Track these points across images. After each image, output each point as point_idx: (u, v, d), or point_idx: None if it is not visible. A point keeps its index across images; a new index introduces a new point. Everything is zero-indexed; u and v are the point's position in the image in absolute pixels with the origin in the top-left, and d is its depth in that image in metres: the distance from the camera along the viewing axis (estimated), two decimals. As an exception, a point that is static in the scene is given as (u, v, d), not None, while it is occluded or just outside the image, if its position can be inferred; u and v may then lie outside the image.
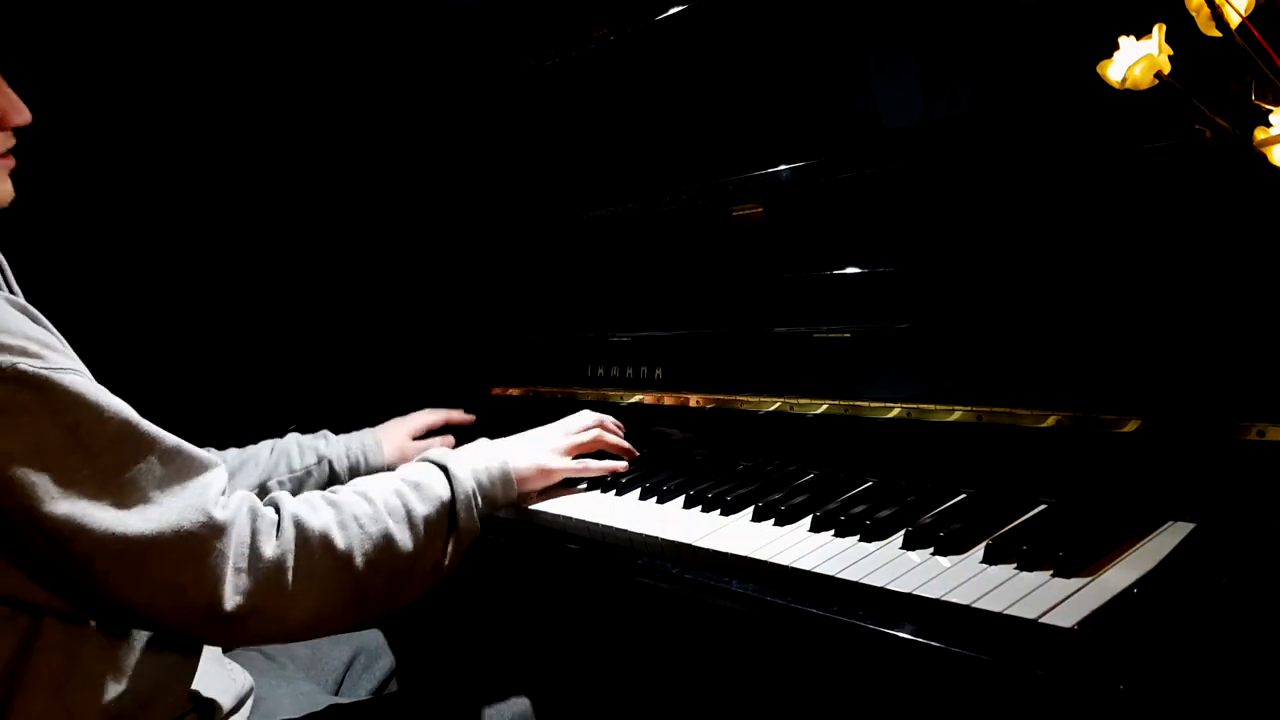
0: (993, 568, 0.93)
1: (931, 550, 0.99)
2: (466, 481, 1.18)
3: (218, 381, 2.12)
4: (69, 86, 1.93)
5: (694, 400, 1.48)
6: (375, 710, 1.25)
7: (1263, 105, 0.84)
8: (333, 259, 2.25)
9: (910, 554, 1.00)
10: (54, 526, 0.88)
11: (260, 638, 1.03)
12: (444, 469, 1.18)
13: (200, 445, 1.01)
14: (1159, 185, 1.03)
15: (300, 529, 1.02)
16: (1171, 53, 0.87)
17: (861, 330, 1.27)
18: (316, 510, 1.05)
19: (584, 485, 1.41)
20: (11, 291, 1.07)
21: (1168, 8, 0.87)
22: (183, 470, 0.97)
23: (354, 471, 1.55)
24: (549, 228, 1.85)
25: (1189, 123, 0.88)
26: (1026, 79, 1.23)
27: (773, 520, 1.15)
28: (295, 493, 1.47)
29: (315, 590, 1.01)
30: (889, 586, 0.93)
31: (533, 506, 1.36)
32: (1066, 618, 0.81)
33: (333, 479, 1.53)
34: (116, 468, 0.92)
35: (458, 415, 1.72)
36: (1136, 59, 0.87)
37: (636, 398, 1.57)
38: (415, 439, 1.65)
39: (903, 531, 1.02)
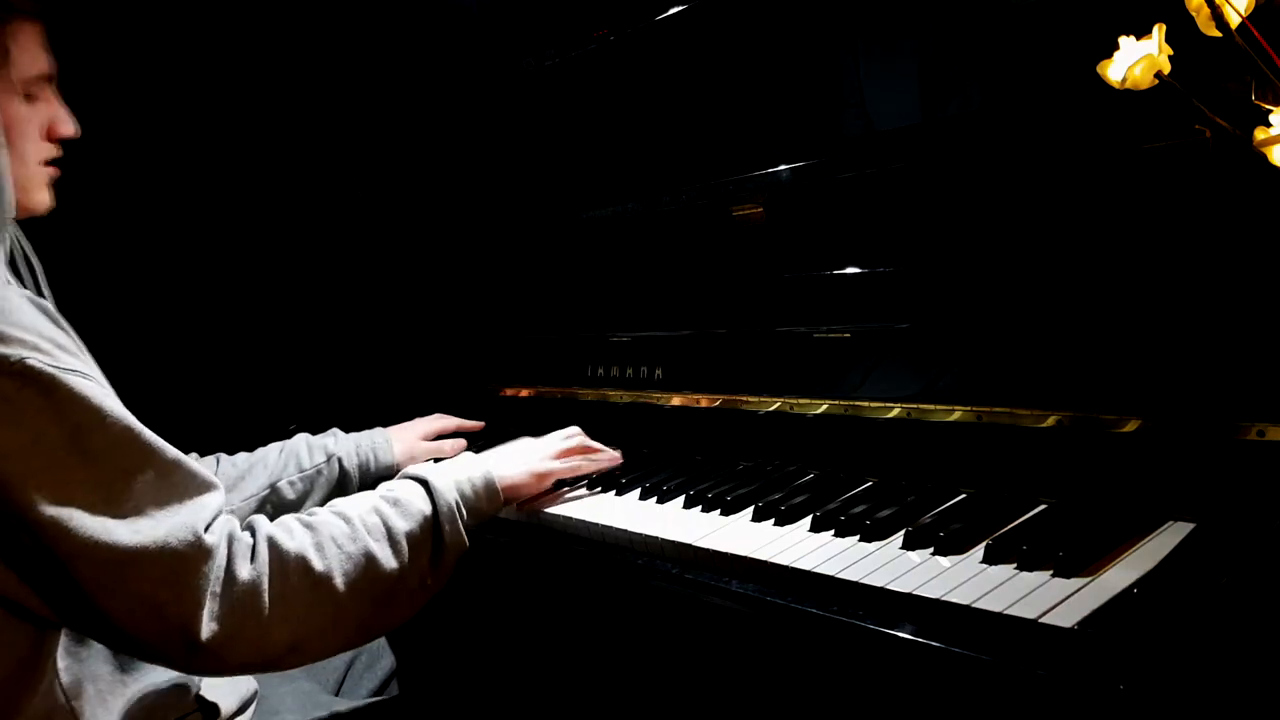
0: (993, 568, 0.93)
1: (931, 550, 0.99)
2: (448, 494, 1.15)
3: (225, 384, 2.12)
4: (69, 86, 1.93)
5: (694, 400, 1.48)
6: (378, 714, 1.25)
7: (1263, 105, 0.84)
8: (335, 260, 2.25)
9: (910, 554, 1.00)
10: (41, 526, 0.87)
11: (241, 667, 0.99)
12: (424, 483, 1.16)
13: (207, 448, 1.00)
14: (1159, 185, 1.03)
15: (275, 551, 0.99)
16: (1171, 53, 0.87)
17: (861, 330, 1.27)
18: (292, 533, 1.02)
19: (583, 487, 1.41)
20: (40, 294, 1.08)
21: (1168, 8, 0.87)
22: (179, 487, 0.96)
23: (363, 470, 1.54)
24: (549, 228, 1.85)
25: (1189, 123, 0.88)
26: (1027, 79, 1.23)
27: (773, 520, 1.15)
28: (306, 493, 1.49)
29: (293, 614, 0.98)
30: (889, 586, 0.93)
31: (532, 507, 1.36)
32: (1066, 618, 0.81)
33: (343, 477, 1.52)
34: (112, 475, 0.92)
35: (469, 424, 1.71)
36: (1136, 59, 0.87)
37: (637, 398, 1.57)
38: (425, 441, 1.64)
39: (903, 531, 1.02)
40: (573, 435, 1.40)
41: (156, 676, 1.02)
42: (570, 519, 1.31)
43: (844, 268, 1.32)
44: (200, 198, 2.15)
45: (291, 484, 1.49)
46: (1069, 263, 1.09)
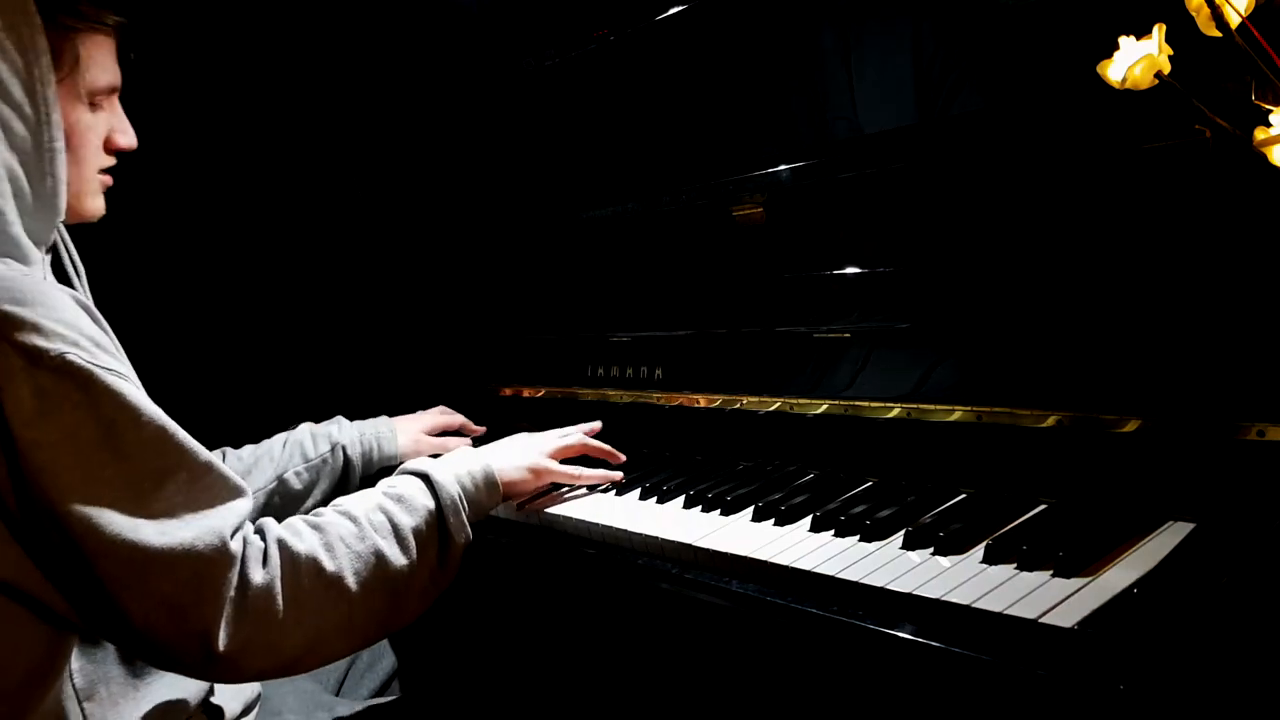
0: (993, 568, 0.93)
1: (931, 550, 0.99)
2: (450, 487, 1.15)
3: (225, 382, 2.12)
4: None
5: (694, 400, 1.48)
6: (379, 715, 1.25)
7: (1263, 105, 0.84)
8: (333, 259, 2.25)
9: (910, 554, 1.00)
10: (70, 521, 0.88)
11: (258, 673, 1.00)
12: (425, 478, 1.16)
13: (209, 444, 1.01)
14: (1159, 185, 1.03)
15: (286, 554, 0.99)
16: (1171, 53, 0.87)
17: (861, 330, 1.27)
18: (301, 535, 1.02)
19: (584, 486, 1.40)
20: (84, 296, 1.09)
21: (1168, 8, 0.87)
22: (209, 490, 0.96)
23: (367, 459, 1.55)
24: (549, 228, 1.85)
25: (1189, 123, 0.88)
26: (1027, 79, 1.23)
27: (773, 520, 1.15)
28: (312, 483, 1.50)
29: (307, 616, 0.98)
30: (889, 586, 0.93)
31: (532, 507, 1.36)
32: (1066, 618, 0.81)
33: (347, 467, 1.53)
34: (143, 474, 0.92)
35: (471, 424, 1.72)
36: (1136, 59, 0.87)
37: (637, 398, 1.57)
38: (431, 437, 1.65)
39: (903, 531, 1.03)
40: (570, 434, 1.40)
41: (167, 682, 1.02)
42: (570, 519, 1.31)
43: (844, 268, 1.32)
44: (202, 197, 2.15)
45: (298, 474, 1.49)
46: (1069, 263, 1.09)
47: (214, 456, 0.98)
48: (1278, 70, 0.83)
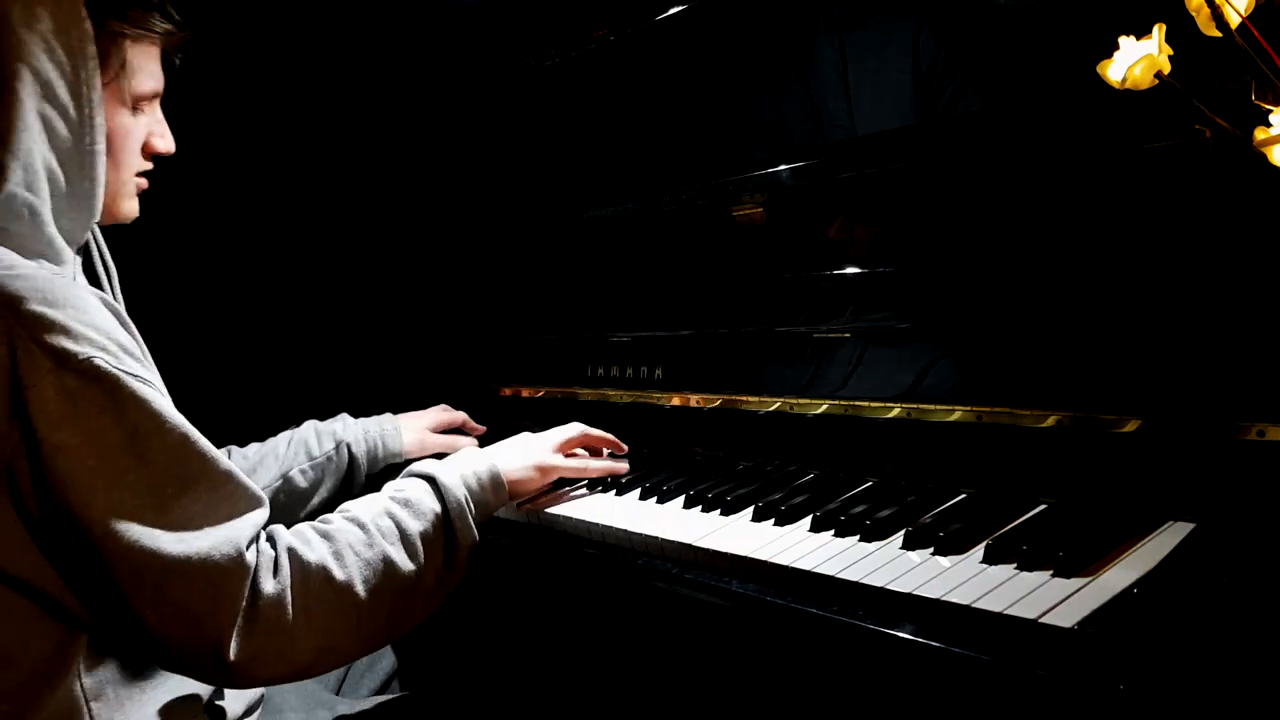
0: (993, 568, 0.93)
1: (931, 550, 0.99)
2: (456, 489, 1.16)
3: (230, 379, 2.12)
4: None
5: (694, 400, 1.48)
6: (380, 714, 1.25)
7: (1263, 105, 0.84)
8: (333, 259, 2.25)
9: (910, 554, 1.00)
10: (90, 524, 0.88)
11: (267, 680, 1.00)
12: (431, 480, 1.16)
13: (215, 442, 1.01)
14: (1159, 185, 1.03)
15: (297, 562, 1.00)
16: (1171, 53, 0.87)
17: (861, 330, 1.27)
18: (311, 544, 1.03)
19: (584, 486, 1.41)
20: (114, 298, 1.10)
21: (1168, 8, 0.87)
22: (229, 500, 0.97)
23: (372, 457, 1.55)
24: (549, 228, 1.85)
25: (1189, 123, 0.88)
26: (1027, 79, 1.23)
27: (773, 520, 1.15)
28: (318, 481, 1.50)
29: (316, 624, 0.99)
30: (889, 586, 0.93)
31: (532, 507, 1.36)
32: (1066, 618, 0.81)
33: (352, 465, 1.53)
34: (165, 482, 0.93)
35: (472, 423, 1.72)
36: (1136, 59, 0.87)
37: (637, 398, 1.57)
38: (437, 435, 1.65)
39: (903, 531, 1.03)
40: (568, 427, 1.40)
41: (174, 683, 1.02)
42: (571, 519, 1.31)
43: (844, 268, 1.32)
44: (207, 198, 2.15)
45: (303, 472, 1.49)
46: (1069, 263, 1.09)
47: (234, 465, 0.99)
48: (1278, 70, 0.83)
